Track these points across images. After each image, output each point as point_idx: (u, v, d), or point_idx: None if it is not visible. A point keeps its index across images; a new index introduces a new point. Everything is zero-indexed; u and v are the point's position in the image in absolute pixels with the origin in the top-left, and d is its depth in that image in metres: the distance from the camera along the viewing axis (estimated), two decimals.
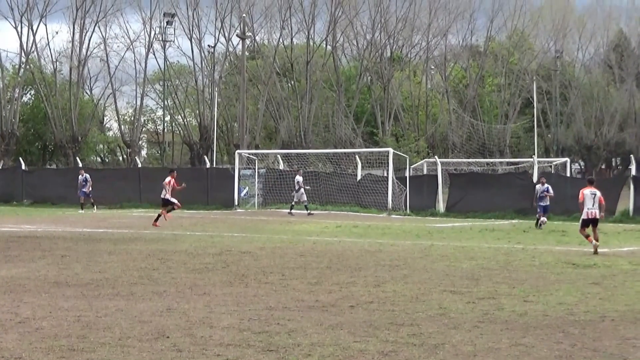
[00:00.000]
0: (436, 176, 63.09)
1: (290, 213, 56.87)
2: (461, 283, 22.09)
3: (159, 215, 44.11)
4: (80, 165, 76.54)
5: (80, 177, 61.46)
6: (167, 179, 45.21)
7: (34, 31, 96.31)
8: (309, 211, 56.62)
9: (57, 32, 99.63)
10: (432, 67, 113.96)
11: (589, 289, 21.15)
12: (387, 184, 61.08)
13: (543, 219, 43.87)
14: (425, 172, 70.10)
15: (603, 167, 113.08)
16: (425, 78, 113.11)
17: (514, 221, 52.43)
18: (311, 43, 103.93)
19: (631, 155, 67.47)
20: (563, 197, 55.95)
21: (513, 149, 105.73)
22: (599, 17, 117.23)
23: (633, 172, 58.25)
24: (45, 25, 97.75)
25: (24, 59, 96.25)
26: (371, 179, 65.71)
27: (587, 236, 31.62)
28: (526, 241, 37.05)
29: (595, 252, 30.07)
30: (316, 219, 53.32)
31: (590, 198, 31.64)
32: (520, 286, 21.55)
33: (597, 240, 30.78)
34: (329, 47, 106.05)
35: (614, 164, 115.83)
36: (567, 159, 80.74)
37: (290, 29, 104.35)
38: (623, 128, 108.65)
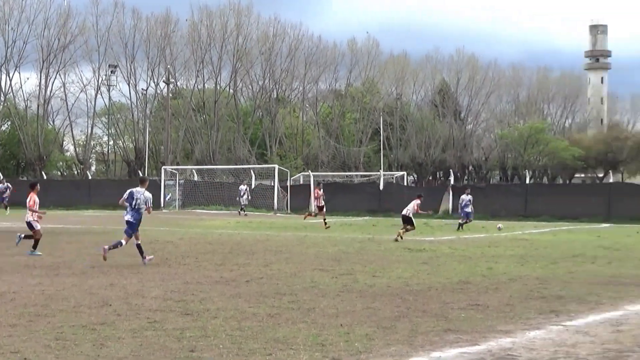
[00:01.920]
0: (309, 185, 63.33)
1: (240, 213, 56.80)
2: (327, 263, 22.16)
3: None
4: (45, 177, 75.48)
5: (1, 185, 58.40)
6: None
7: (10, 77, 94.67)
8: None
9: (27, 78, 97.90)
10: (307, 105, 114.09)
11: (419, 267, 21.37)
12: (274, 191, 61.23)
13: (465, 221, 41.46)
14: (301, 182, 70.33)
15: (430, 178, 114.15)
16: (302, 113, 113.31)
17: (366, 218, 52.78)
18: (218, 87, 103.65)
19: (450, 170, 68.52)
20: (401, 200, 56.45)
21: (365, 165, 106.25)
22: (427, 69, 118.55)
23: (452, 182, 59.13)
24: (19, 73, 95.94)
25: (2, 99, 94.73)
26: (262, 187, 65.91)
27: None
28: (374, 233, 37.33)
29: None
30: (221, 216, 53.09)
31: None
32: (370, 265, 21.68)
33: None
34: (231, 90, 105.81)
35: (438, 176, 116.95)
36: (404, 173, 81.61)
37: (202, 77, 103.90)
38: (445, 150, 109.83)
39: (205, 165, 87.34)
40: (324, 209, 44.07)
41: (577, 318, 13.37)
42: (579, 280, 18.51)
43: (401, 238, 31.02)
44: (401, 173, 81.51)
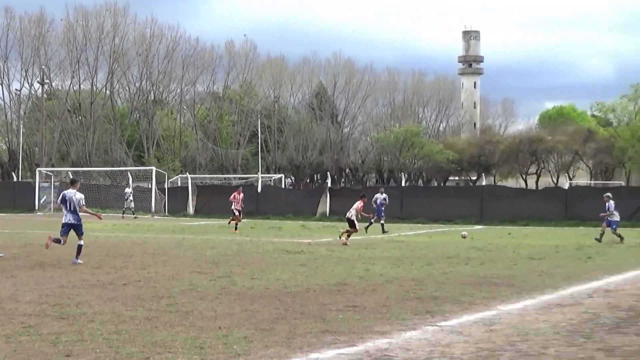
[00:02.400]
0: (187, 187, 63.02)
1: (124, 217, 56.37)
2: (206, 266, 22.06)
3: None
4: None
5: None
6: None
7: None
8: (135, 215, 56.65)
9: None
10: (185, 107, 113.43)
11: (298, 269, 21.45)
12: (151, 193, 60.70)
13: (382, 221, 41.00)
14: (179, 184, 69.89)
15: (308, 181, 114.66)
16: (179, 115, 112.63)
17: (244, 220, 52.65)
18: (94, 88, 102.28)
19: (328, 173, 68.92)
20: (278, 202, 56.76)
21: (243, 167, 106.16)
22: (305, 73, 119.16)
23: (329, 185, 59.54)
24: None
25: None
26: (139, 189, 65.25)
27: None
28: (252, 235, 37.35)
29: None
30: (95, 220, 52.34)
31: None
32: (248, 268, 21.67)
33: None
34: (107, 92, 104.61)
35: (315, 178, 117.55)
36: (282, 175, 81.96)
37: (78, 77, 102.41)
38: (322, 153, 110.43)
39: (82, 167, 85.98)
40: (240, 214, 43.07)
41: (451, 318, 13.61)
42: (453, 281, 18.85)
43: (346, 239, 31.06)
44: (279, 175, 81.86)
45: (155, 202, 60.21)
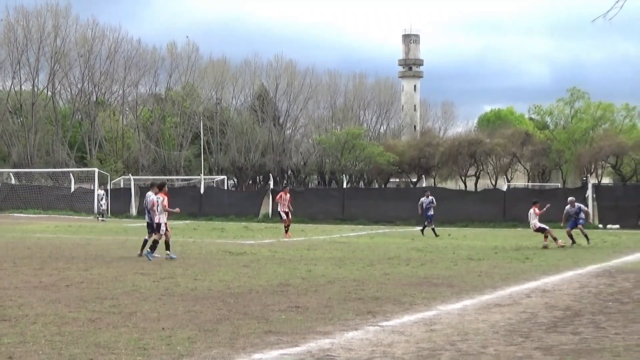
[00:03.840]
0: (130, 189, 62.62)
1: (98, 219, 56.03)
2: (148, 267, 21.95)
3: None
4: None
5: None
6: None
7: None
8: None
9: None
10: (127, 109, 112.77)
11: (241, 270, 21.42)
12: (94, 194, 60.22)
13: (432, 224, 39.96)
14: (122, 185, 69.36)
15: (250, 182, 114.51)
16: (122, 117, 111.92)
17: (187, 222, 52.52)
18: (36, 89, 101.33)
19: (270, 174, 68.97)
20: (221, 203, 56.67)
21: (186, 169, 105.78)
22: (247, 75, 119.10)
23: (271, 186, 59.54)
24: None
25: None
26: (82, 190, 64.79)
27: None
28: (195, 236, 37.24)
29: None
30: (40, 220, 51.91)
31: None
32: (191, 268, 21.60)
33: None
34: (49, 93, 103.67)
35: (258, 180, 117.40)
36: (225, 177, 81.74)
37: (19, 78, 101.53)
38: (264, 154, 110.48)
39: (23, 168, 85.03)
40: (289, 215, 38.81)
41: (392, 318, 13.68)
42: (394, 282, 18.95)
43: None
44: (222, 177, 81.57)
45: (97, 204, 59.66)
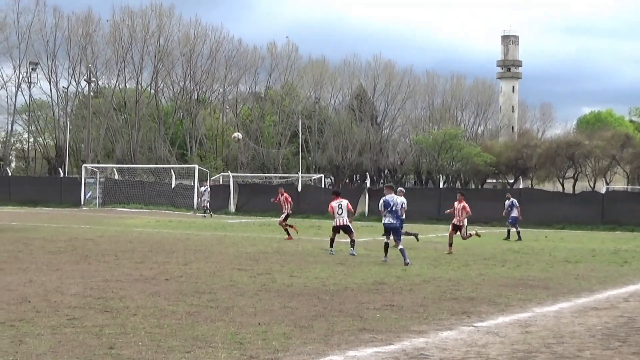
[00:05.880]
0: (229, 185, 63.20)
1: (197, 214, 55.89)
2: (246, 263, 22.12)
3: None
4: None
5: None
6: None
7: None
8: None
9: None
10: (227, 107, 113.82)
11: (336, 267, 21.43)
12: (193, 191, 60.88)
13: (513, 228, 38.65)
14: (221, 182, 70.04)
15: (347, 181, 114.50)
16: (222, 115, 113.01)
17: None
18: (139, 87, 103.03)
19: (367, 173, 68.93)
20: (318, 201, 56.78)
21: (284, 167, 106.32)
22: (345, 75, 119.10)
23: (368, 185, 59.50)
24: None
25: None
26: (182, 187, 65.59)
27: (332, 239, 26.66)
28: (293, 234, 37.31)
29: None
30: (141, 215, 52.72)
31: (338, 208, 26.57)
32: (288, 265, 21.70)
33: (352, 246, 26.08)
34: (152, 91, 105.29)
35: (354, 179, 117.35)
36: (322, 175, 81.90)
37: (124, 76, 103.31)
38: (361, 154, 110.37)
39: (126, 164, 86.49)
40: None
41: (487, 319, 13.54)
42: (490, 283, 18.75)
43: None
44: (319, 175, 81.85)
45: (197, 200, 60.27)
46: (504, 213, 39.70)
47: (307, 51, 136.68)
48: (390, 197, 23.44)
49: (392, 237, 23.19)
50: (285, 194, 36.44)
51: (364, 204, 56.69)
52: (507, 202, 39.63)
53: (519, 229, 38.38)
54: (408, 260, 22.22)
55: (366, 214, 54.72)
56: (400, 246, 22.60)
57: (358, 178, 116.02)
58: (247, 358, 10.12)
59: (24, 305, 13.88)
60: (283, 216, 35.28)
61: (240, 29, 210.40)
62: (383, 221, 23.48)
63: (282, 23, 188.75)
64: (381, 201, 23.49)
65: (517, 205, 39.12)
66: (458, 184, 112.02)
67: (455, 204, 29.59)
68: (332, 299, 15.48)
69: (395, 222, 23.25)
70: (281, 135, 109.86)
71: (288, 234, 34.07)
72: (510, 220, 38.86)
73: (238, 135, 29.55)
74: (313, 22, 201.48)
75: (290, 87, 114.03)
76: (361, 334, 11.85)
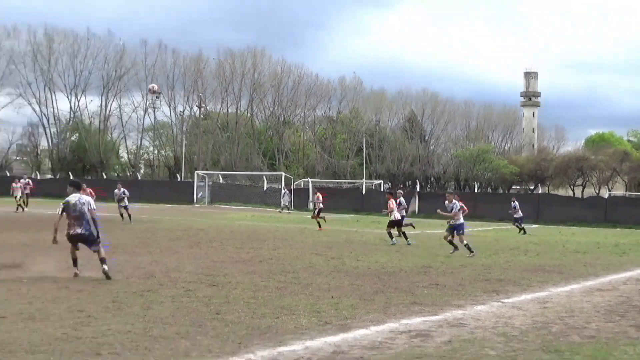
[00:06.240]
0: (308, 189, 63.33)
1: (281, 212, 55.00)
2: (322, 249, 22.15)
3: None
4: (105, 177, 74.87)
5: (23, 180, 45.07)
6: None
7: (78, 99, 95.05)
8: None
9: (91, 100, 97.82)
10: (307, 127, 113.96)
11: (393, 254, 21.37)
12: (281, 192, 61.14)
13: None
14: (302, 186, 70.26)
15: (401, 186, 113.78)
16: (303, 133, 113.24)
17: (351, 215, 52.64)
18: (238, 111, 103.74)
19: (417, 180, 68.43)
20: (378, 202, 56.53)
21: (351, 174, 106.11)
22: (400, 102, 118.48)
23: (417, 189, 59.12)
24: (85, 96, 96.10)
25: (72, 116, 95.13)
26: (272, 189, 65.84)
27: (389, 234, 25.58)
28: (358, 227, 37.32)
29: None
30: (240, 211, 53.03)
31: (398, 204, 25.84)
32: (354, 252, 21.69)
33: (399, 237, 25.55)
34: (249, 114, 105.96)
35: (407, 185, 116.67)
36: (381, 181, 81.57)
37: (227, 103, 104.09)
38: (412, 165, 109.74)
39: (228, 171, 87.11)
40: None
41: (512, 296, 13.41)
42: (515, 268, 18.55)
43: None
44: (379, 181, 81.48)
45: (283, 200, 60.57)
46: (510, 211, 39.16)
47: (370, 83, 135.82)
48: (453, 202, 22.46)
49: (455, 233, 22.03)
50: (319, 193, 37.03)
51: (415, 204, 56.38)
52: (512, 204, 39.17)
53: (522, 224, 37.82)
54: (474, 252, 21.36)
55: (416, 212, 54.40)
56: (465, 241, 21.94)
57: (409, 184, 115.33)
58: (322, 323, 10.17)
59: (150, 280, 14.13)
60: (316, 211, 35.53)
61: (317, 66, 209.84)
62: (450, 222, 22.26)
63: (350, 61, 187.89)
64: (454, 204, 22.28)
65: (517, 206, 38.66)
66: (489, 190, 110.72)
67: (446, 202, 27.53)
68: (390, 278, 15.46)
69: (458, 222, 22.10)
70: (349, 150, 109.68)
71: (320, 225, 33.92)
72: (517, 220, 38.21)
73: (154, 86, 26.06)
74: (375, 60, 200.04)
75: (356, 112, 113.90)
76: (412, 307, 11.84)
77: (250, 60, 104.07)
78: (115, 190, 35.92)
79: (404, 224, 26.32)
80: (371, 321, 10.44)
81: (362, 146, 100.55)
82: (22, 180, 44.00)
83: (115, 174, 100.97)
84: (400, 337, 9.41)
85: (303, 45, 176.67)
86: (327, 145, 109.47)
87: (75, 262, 14.18)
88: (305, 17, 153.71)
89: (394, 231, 25.81)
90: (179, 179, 78.92)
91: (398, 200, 26.70)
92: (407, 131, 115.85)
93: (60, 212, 14.11)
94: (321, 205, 36.12)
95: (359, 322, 10.38)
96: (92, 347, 8.39)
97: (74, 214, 14.06)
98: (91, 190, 23.87)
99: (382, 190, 74.97)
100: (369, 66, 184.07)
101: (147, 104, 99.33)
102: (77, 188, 14.66)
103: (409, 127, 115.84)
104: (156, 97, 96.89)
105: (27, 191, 43.81)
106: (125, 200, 35.04)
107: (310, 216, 36.65)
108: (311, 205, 36.26)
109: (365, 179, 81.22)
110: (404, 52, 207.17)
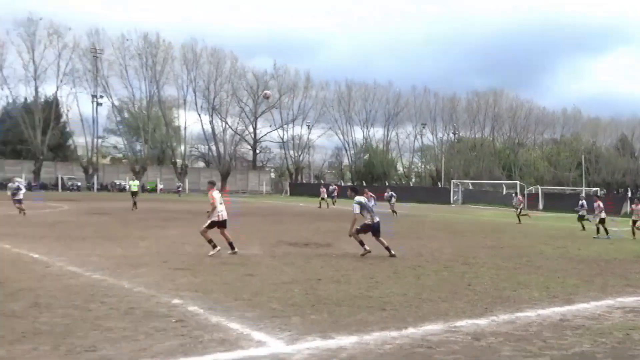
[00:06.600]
0: (538, 194, 59.54)
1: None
2: (549, 240, 20.66)
3: None
4: (387, 184, 76.43)
5: (331, 187, 48.78)
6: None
7: (368, 130, 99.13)
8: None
9: (377, 131, 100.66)
10: (536, 147, 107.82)
11: (608, 246, 19.41)
12: (515, 197, 58.41)
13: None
14: (533, 192, 66.39)
15: (615, 192, 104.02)
16: (533, 152, 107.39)
17: (570, 214, 48.83)
18: (483, 136, 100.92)
19: (627, 187, 61.63)
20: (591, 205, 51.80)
21: (573, 184, 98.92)
22: (613, 127, 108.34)
23: (629, 195, 53.31)
24: (373, 127, 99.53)
25: (364, 142, 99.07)
26: (509, 193, 62.94)
27: None
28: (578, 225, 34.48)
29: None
30: (485, 210, 51.43)
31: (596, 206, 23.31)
32: (576, 242, 20.00)
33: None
34: (491, 138, 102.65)
35: (619, 191, 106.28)
36: (598, 189, 74.69)
37: (474, 130, 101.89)
38: (624, 175, 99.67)
39: (476, 180, 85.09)
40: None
41: None
42: None
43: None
44: (595, 189, 74.72)
45: (516, 203, 57.50)
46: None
47: (587, 112, 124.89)
48: None
49: None
50: (370, 193, 30.85)
51: (626, 206, 51.03)
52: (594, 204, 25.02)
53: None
54: None
55: (628, 213, 49.22)
56: None
57: (622, 191, 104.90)
58: (551, 297, 9.61)
59: (419, 258, 14.21)
60: (519, 210, 32.94)
61: (544, 100, 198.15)
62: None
63: (570, 95, 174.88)
64: None
65: (586, 205, 28.14)
66: None
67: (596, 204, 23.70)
68: (606, 265, 14.15)
69: None
70: (570, 164, 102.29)
71: (520, 220, 31.16)
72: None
73: (267, 92, 23.13)
74: (590, 92, 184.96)
75: (576, 135, 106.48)
76: (626, 288, 10.75)
77: (491, 98, 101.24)
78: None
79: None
80: (591, 298, 9.65)
81: (582, 161, 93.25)
82: (330, 187, 48.31)
83: (394, 182, 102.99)
84: (615, 312, 8.63)
85: (530, 84, 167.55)
86: (552, 160, 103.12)
87: (362, 243, 14.24)
88: (534, 62, 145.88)
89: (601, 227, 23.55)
90: (439, 186, 78.46)
91: (597, 203, 24.23)
92: (619, 150, 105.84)
93: (359, 211, 14.11)
94: (521, 206, 34.22)
95: (581, 297, 9.65)
96: (379, 304, 8.64)
97: (370, 211, 14.26)
98: (371, 193, 24.12)
99: (597, 195, 68.84)
100: (586, 97, 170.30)
101: (416, 132, 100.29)
102: (356, 192, 14.69)
103: (620, 146, 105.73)
104: (423, 126, 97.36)
105: (334, 194, 46.99)
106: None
107: (517, 214, 33.84)
108: (518, 206, 33.85)
109: (585, 187, 74.97)
110: (617, 85, 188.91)
